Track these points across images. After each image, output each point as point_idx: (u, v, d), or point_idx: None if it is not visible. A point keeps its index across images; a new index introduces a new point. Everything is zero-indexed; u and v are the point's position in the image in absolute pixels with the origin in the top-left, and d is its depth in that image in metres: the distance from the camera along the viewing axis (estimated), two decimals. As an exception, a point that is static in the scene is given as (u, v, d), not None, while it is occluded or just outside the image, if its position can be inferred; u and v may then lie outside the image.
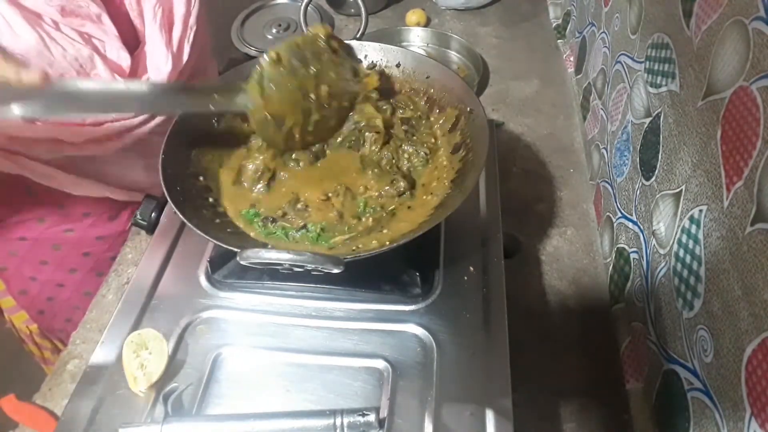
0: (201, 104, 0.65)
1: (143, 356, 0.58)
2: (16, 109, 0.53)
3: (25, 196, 0.84)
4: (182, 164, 0.67)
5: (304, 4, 0.83)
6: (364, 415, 0.51)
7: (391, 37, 1.29)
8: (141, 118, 0.81)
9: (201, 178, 0.69)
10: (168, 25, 0.79)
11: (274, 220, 0.65)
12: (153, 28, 0.77)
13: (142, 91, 0.63)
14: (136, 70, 0.79)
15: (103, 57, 0.75)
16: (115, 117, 0.78)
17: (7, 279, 0.91)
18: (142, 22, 0.78)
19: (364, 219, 0.65)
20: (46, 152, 0.77)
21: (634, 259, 0.74)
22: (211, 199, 0.67)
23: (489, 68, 1.24)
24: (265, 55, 0.66)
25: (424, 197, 0.68)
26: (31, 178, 0.80)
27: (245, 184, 0.69)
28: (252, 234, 0.65)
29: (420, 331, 0.62)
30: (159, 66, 0.78)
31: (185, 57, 0.81)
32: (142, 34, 0.79)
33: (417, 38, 1.29)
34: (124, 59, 0.77)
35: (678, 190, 0.61)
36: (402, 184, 0.67)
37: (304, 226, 0.65)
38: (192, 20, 0.81)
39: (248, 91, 0.66)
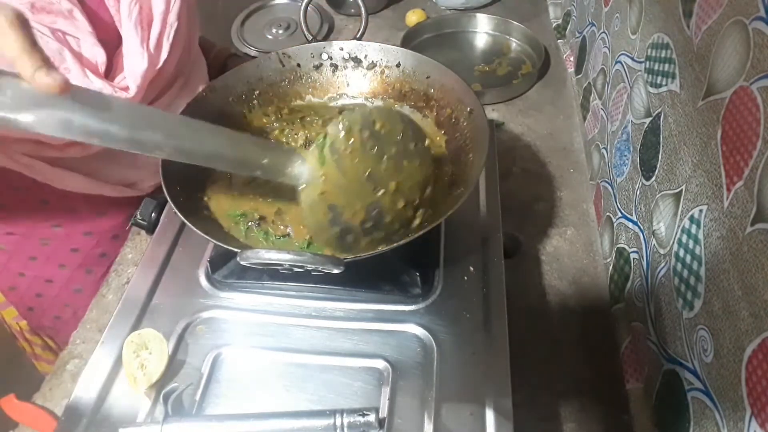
0: (246, 168, 0.58)
1: (143, 356, 0.58)
2: (22, 118, 0.44)
3: (10, 191, 0.84)
4: (182, 164, 0.67)
5: (304, 4, 0.83)
6: (364, 415, 0.52)
7: (456, 21, 1.33)
8: None
9: (201, 178, 0.69)
10: (146, 23, 0.77)
11: (258, 224, 0.64)
12: (129, 25, 0.76)
13: (172, 121, 0.54)
14: (115, 68, 0.78)
15: (76, 53, 0.73)
16: None
17: None
18: (120, 20, 0.77)
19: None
20: (28, 150, 0.76)
21: (634, 259, 0.74)
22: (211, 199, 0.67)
23: (551, 56, 1.25)
24: (334, 123, 0.56)
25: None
26: (17, 171, 0.79)
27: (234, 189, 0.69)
28: (236, 236, 0.64)
29: (420, 331, 0.62)
30: (134, 64, 0.76)
31: (164, 56, 0.79)
32: (121, 32, 0.78)
33: (479, 25, 1.33)
34: (99, 55, 0.75)
35: (678, 190, 0.61)
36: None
37: (288, 234, 0.63)
38: (172, 17, 0.79)
39: (306, 160, 0.57)
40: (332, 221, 0.57)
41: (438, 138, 0.74)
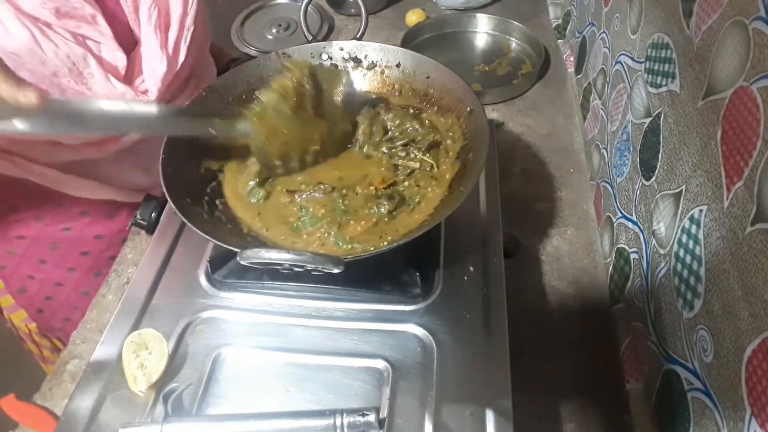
0: (201, 128, 0.66)
1: (143, 356, 0.58)
2: (19, 125, 0.53)
3: (24, 194, 0.84)
4: (182, 164, 0.67)
5: (304, 4, 0.83)
6: (364, 415, 0.52)
7: (456, 21, 1.33)
8: None
9: (201, 178, 0.69)
10: (164, 26, 0.78)
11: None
12: (148, 29, 0.77)
13: (144, 113, 0.63)
14: (132, 71, 0.79)
15: (98, 57, 0.74)
16: None
17: (5, 277, 0.92)
18: (138, 23, 0.78)
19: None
20: (43, 155, 0.77)
21: (634, 259, 0.74)
22: (211, 199, 0.67)
23: (551, 56, 1.25)
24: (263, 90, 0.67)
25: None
26: (30, 179, 0.80)
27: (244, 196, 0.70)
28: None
29: (420, 331, 0.62)
30: (154, 67, 0.77)
31: (181, 58, 0.80)
32: (138, 35, 0.79)
33: (479, 25, 1.33)
34: (119, 60, 0.77)
35: (678, 190, 0.61)
36: (386, 206, 0.66)
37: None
38: (189, 21, 0.80)
39: (248, 119, 0.67)
40: (276, 156, 0.69)
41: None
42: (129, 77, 0.79)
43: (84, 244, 0.92)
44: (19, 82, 0.50)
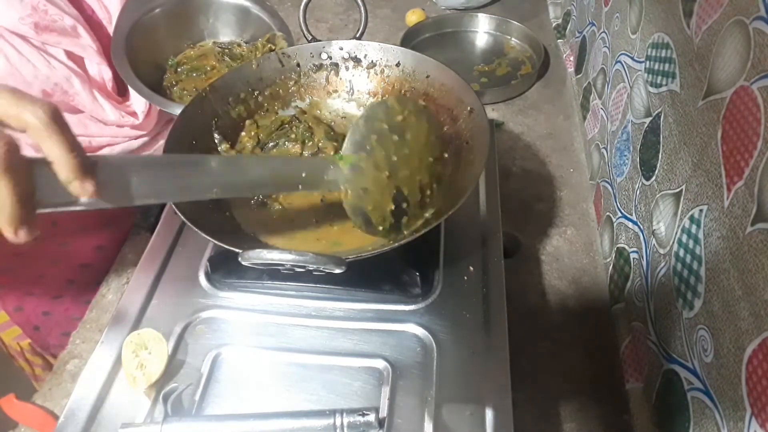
0: (288, 186, 0.58)
1: (143, 356, 0.58)
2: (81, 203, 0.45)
3: None
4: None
5: (303, 3, 0.83)
6: (364, 414, 0.51)
7: (456, 21, 1.33)
8: (128, 136, 0.80)
9: None
10: None
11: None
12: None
13: (214, 167, 0.52)
14: (125, 86, 0.77)
15: (80, 75, 0.72)
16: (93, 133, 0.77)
17: (2, 296, 0.88)
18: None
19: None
20: None
21: (634, 258, 0.74)
22: (211, 199, 0.67)
23: (550, 56, 1.25)
24: (354, 123, 0.58)
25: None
26: None
27: None
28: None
29: (420, 331, 0.62)
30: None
31: None
32: None
33: (479, 24, 1.34)
34: (105, 72, 0.75)
35: (678, 189, 0.61)
36: None
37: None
38: None
39: (338, 164, 0.58)
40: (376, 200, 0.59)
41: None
42: (119, 92, 0.76)
43: (84, 256, 0.89)
44: (81, 168, 0.42)
